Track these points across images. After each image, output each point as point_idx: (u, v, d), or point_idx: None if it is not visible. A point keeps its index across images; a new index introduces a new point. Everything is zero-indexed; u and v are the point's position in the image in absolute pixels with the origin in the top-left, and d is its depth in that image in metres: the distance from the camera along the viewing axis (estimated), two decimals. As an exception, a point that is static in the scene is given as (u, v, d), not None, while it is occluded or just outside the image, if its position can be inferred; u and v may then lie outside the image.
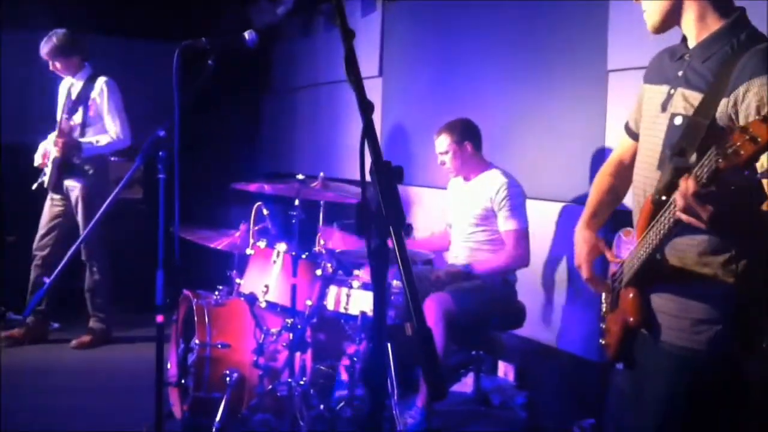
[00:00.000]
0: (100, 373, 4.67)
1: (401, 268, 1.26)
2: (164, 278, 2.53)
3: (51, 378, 4.50)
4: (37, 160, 5.05)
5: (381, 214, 1.34)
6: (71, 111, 4.94)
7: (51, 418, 3.82)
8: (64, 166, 4.90)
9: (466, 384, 4.30)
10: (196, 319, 3.61)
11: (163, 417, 2.75)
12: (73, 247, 2.39)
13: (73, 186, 4.96)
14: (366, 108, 1.46)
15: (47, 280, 2.49)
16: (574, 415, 3.74)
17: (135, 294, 6.08)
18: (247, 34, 2.66)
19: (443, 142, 4.03)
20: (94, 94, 4.95)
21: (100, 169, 5.02)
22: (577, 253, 2.36)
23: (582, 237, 2.35)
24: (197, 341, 3.56)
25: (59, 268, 2.42)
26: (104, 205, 2.51)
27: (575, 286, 4.07)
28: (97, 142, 4.93)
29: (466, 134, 4.02)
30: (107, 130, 4.97)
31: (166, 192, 2.52)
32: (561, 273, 4.17)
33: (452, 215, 4.20)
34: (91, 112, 4.96)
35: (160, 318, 2.53)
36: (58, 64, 4.91)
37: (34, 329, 5.09)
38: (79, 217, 4.98)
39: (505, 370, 4.53)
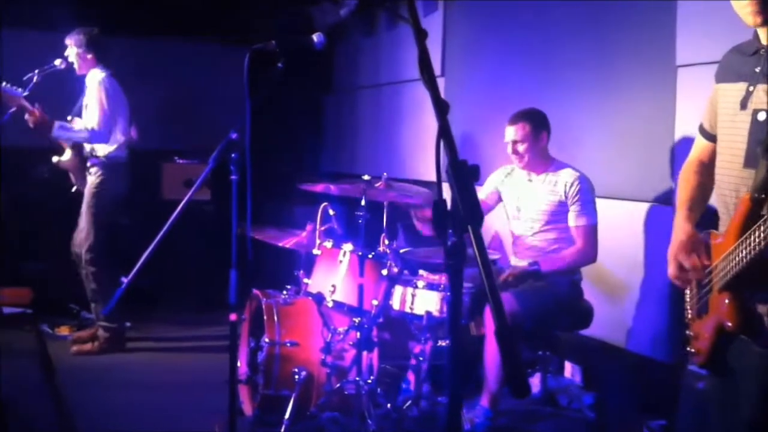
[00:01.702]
0: (169, 371, 4.77)
1: (481, 266, 1.26)
2: (237, 277, 2.58)
3: (121, 376, 4.61)
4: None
5: (458, 213, 1.34)
6: (79, 111, 4.99)
7: (121, 416, 3.91)
8: (79, 170, 4.95)
9: (532, 384, 4.26)
10: (265, 317, 3.67)
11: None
12: (150, 247, 2.45)
13: (86, 187, 5.00)
14: (441, 108, 1.47)
15: (125, 280, 2.55)
16: (644, 417, 3.68)
17: (203, 293, 6.24)
18: (315, 37, 2.70)
19: (520, 131, 3.89)
20: (88, 90, 4.95)
21: (108, 174, 4.97)
22: (673, 243, 2.30)
23: (682, 229, 2.30)
24: (267, 339, 3.61)
25: (136, 268, 2.49)
26: (177, 209, 2.57)
27: (645, 286, 3.99)
28: (71, 124, 4.88)
29: (544, 125, 3.94)
30: (86, 119, 4.91)
31: (238, 193, 2.57)
32: (630, 272, 4.10)
33: (515, 212, 4.10)
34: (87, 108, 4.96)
35: (233, 317, 2.59)
36: (77, 50, 4.93)
37: (115, 335, 5.08)
38: (83, 221, 4.95)
39: (572, 370, 4.48)
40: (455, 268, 1.36)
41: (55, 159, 5.05)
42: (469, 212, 1.33)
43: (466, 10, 5.51)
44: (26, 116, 4.75)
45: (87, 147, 4.94)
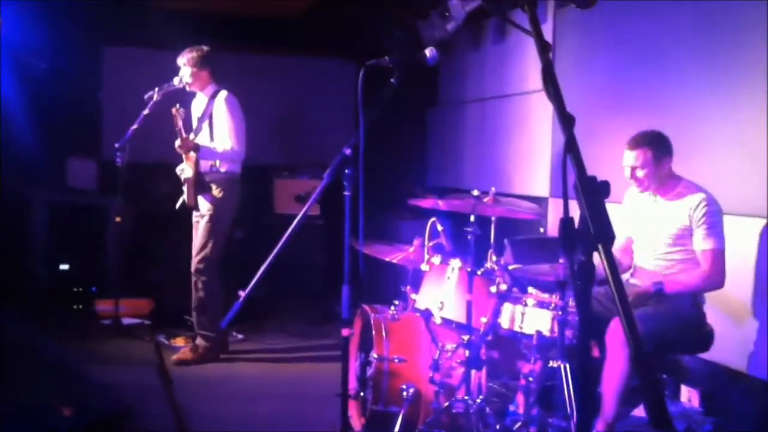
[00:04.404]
0: (280, 382, 4.83)
1: (613, 287, 1.21)
2: (349, 293, 2.58)
3: (234, 386, 4.70)
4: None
5: (587, 231, 1.29)
6: (197, 128, 5.10)
7: (234, 425, 3.98)
8: (198, 185, 5.04)
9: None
10: (374, 332, 3.67)
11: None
12: (266, 263, 2.49)
13: (203, 204, 5.07)
14: (567, 121, 1.43)
15: (242, 293, 2.59)
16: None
17: (312, 305, 6.35)
18: (428, 52, 2.69)
19: (641, 156, 3.70)
20: (215, 109, 5.06)
21: (228, 189, 5.08)
22: None
23: None
24: (375, 355, 3.61)
25: (253, 282, 2.53)
26: (293, 223, 2.59)
27: (769, 308, 3.78)
28: (215, 147, 5.02)
29: (666, 149, 3.73)
30: (224, 141, 5.04)
31: (351, 208, 2.58)
32: (752, 293, 3.89)
33: (637, 232, 3.96)
34: (215, 127, 5.07)
35: (345, 332, 2.59)
36: (191, 69, 5.04)
37: (214, 344, 5.17)
38: (200, 232, 5.06)
39: (689, 395, 4.27)
40: (584, 290, 1.31)
41: (179, 170, 5.11)
42: (600, 230, 1.28)
43: (576, 19, 5.40)
44: (177, 142, 4.91)
45: (208, 163, 5.08)
